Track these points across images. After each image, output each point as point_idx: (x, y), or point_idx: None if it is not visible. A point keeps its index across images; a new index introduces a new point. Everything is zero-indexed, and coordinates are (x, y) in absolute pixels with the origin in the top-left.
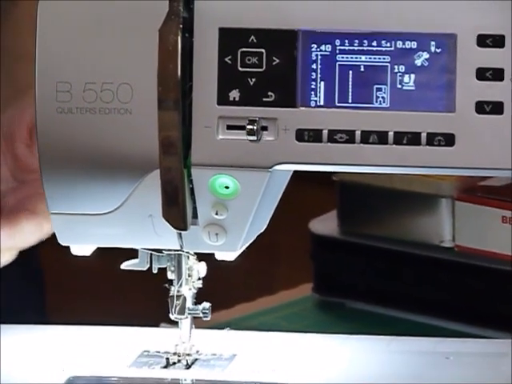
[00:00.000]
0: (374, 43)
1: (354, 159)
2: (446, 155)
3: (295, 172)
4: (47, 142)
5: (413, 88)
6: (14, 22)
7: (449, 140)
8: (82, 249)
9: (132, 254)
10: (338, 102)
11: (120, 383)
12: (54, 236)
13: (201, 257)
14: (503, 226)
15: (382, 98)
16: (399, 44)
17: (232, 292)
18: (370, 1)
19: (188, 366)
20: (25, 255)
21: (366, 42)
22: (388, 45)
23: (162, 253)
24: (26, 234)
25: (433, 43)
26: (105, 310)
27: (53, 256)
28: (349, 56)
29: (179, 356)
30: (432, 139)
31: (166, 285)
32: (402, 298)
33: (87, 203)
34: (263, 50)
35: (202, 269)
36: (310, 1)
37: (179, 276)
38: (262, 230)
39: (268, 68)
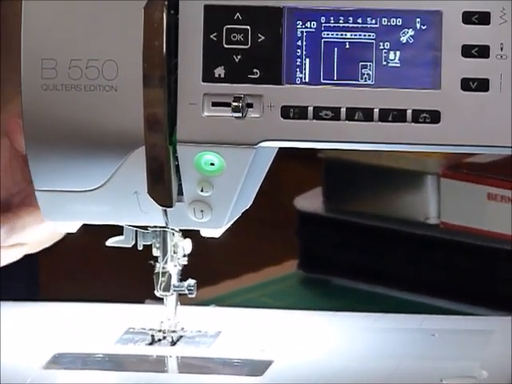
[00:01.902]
0: (360, 20)
1: (340, 136)
2: (432, 132)
3: (280, 149)
4: (32, 119)
5: (398, 65)
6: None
7: (434, 117)
8: (67, 226)
9: (117, 230)
10: (324, 79)
11: (105, 360)
12: None
13: (186, 233)
14: (489, 202)
15: (368, 74)
16: (384, 21)
17: (217, 269)
18: None
19: (173, 343)
20: None
21: (351, 18)
22: (373, 22)
23: (147, 230)
24: (26, 228)
25: (418, 20)
26: (90, 287)
27: None
28: (334, 33)
29: (164, 333)
30: (417, 116)
31: (151, 262)
32: (387, 275)
33: (72, 180)
34: (248, 27)
35: (187, 246)
36: None
37: (164, 253)
38: (247, 207)
39: (253, 45)
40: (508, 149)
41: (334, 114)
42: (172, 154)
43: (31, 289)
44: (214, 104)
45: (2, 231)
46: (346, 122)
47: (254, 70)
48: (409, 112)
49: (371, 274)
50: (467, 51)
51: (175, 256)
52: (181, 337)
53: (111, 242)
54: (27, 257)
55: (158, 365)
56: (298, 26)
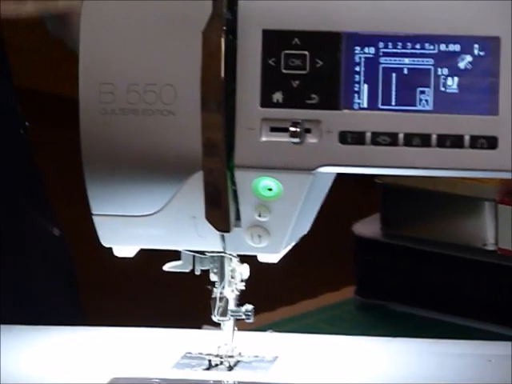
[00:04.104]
0: (418, 46)
1: (397, 162)
2: (489, 158)
3: (338, 174)
4: (90, 143)
5: (456, 91)
6: None
7: (492, 143)
8: (124, 250)
9: (174, 255)
10: (382, 105)
11: None
12: (90, 235)
13: (243, 259)
14: None
15: (426, 100)
16: (443, 47)
17: (274, 294)
18: (413, 1)
19: (230, 368)
20: (57, 254)
21: (409, 44)
22: (431, 47)
23: (204, 255)
24: None
25: (476, 46)
26: (148, 312)
27: (91, 256)
28: (392, 58)
29: (221, 358)
30: (475, 142)
31: (209, 287)
32: (444, 301)
33: (130, 205)
34: (307, 53)
35: (244, 271)
36: (353, 1)
37: (222, 278)
38: (305, 233)
39: (311, 70)
40: None
41: (392, 140)
42: (230, 179)
43: (72, 313)
44: (272, 129)
45: None
46: (404, 147)
47: (312, 96)
48: (466, 138)
49: (428, 299)
50: None
51: (233, 281)
52: (238, 362)
53: (169, 266)
54: (67, 280)
55: None
56: (356, 52)
